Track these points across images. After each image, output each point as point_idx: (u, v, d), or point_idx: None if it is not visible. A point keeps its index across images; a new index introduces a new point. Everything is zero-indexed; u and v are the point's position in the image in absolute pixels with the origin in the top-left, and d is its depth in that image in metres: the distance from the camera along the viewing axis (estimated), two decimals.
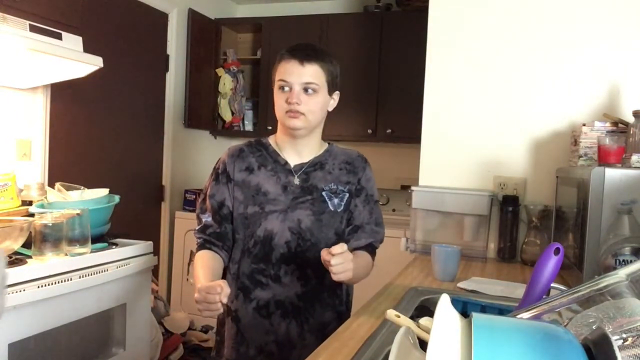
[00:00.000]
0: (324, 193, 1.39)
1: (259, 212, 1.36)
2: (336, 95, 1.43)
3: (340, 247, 1.17)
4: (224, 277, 1.42)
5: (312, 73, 1.32)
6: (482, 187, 2.07)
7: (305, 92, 1.33)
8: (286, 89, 1.33)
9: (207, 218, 1.40)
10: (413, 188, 2.08)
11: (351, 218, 1.43)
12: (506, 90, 2.06)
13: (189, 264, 3.48)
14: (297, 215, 1.36)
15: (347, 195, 1.42)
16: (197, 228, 1.43)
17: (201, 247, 1.40)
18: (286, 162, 1.41)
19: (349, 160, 1.46)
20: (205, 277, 1.25)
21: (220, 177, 1.41)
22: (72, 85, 2.48)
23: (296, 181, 1.39)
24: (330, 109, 1.44)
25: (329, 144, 1.49)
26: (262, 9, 4.06)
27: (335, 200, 1.40)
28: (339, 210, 1.40)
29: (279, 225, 1.35)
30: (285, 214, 1.36)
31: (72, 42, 2.17)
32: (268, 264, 1.36)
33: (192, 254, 3.42)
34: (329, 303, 1.41)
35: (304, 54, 1.33)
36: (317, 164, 1.42)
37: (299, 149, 1.42)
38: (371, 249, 1.44)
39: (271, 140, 1.46)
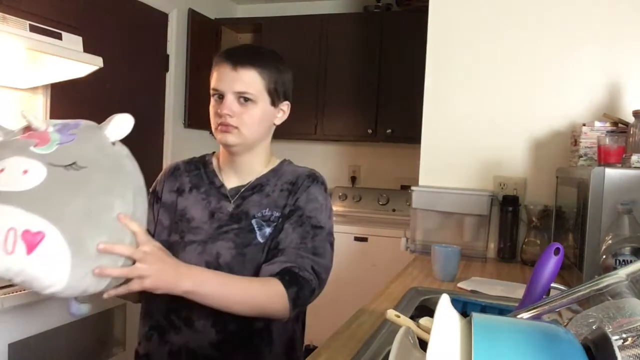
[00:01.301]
0: (253, 221, 1.15)
1: (178, 241, 1.16)
2: (285, 107, 1.22)
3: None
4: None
5: (247, 80, 1.12)
6: (482, 187, 2.07)
7: (240, 102, 1.13)
8: (220, 99, 1.15)
9: None
10: (413, 188, 2.08)
11: (277, 246, 1.13)
12: (506, 90, 2.06)
13: None
14: (217, 247, 1.13)
15: (281, 220, 1.15)
16: None
17: None
18: (222, 185, 1.21)
19: (293, 179, 1.20)
20: None
21: (149, 197, 1.20)
22: (72, 85, 2.48)
23: (230, 207, 1.18)
24: (277, 122, 1.22)
25: (284, 161, 1.26)
26: (262, 9, 4.06)
27: (267, 230, 1.14)
28: (268, 241, 1.14)
29: (195, 259, 1.12)
30: (204, 246, 1.14)
31: (72, 42, 2.16)
32: (181, 303, 1.06)
33: None
34: (252, 354, 1.14)
35: (239, 57, 1.14)
36: (256, 187, 1.20)
37: (239, 168, 1.21)
38: (289, 277, 1.07)
39: (215, 158, 1.28)
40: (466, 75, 2.12)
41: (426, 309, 1.28)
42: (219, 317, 1.09)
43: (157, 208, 1.22)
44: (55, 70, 2.29)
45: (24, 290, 1.59)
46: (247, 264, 1.12)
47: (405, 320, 0.78)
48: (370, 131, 3.47)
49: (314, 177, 1.22)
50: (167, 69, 3.50)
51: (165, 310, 1.14)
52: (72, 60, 2.15)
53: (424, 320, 0.76)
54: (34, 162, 0.81)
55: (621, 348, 0.59)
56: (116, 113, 1.00)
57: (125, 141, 1.00)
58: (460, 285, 1.51)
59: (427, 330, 0.73)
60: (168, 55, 3.51)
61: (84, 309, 0.93)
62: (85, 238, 0.80)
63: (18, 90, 2.43)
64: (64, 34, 2.14)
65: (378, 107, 3.47)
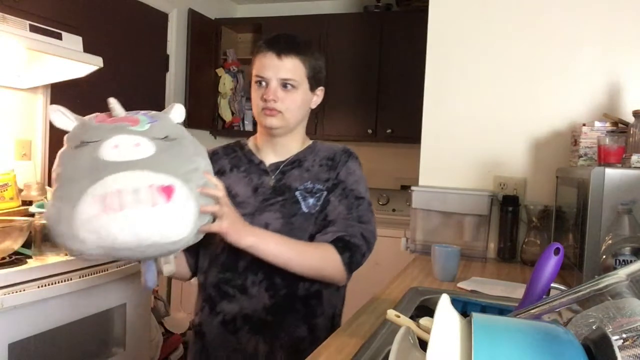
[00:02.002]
0: (297, 193, 1.25)
1: None
2: (320, 92, 1.32)
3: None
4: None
5: (290, 67, 1.21)
6: (482, 187, 2.07)
7: (283, 88, 1.22)
8: (262, 84, 1.23)
9: None
10: (413, 188, 2.07)
11: (326, 217, 1.25)
12: (506, 90, 2.06)
13: None
14: (265, 218, 1.23)
15: (325, 193, 1.26)
16: None
17: None
18: (261, 162, 1.31)
19: (330, 155, 1.31)
20: None
21: None
22: (72, 85, 2.48)
23: (271, 182, 1.28)
24: (313, 106, 1.32)
25: (316, 141, 1.37)
26: (262, 9, 4.06)
27: (311, 201, 1.24)
28: (313, 211, 1.24)
29: None
30: (252, 218, 1.22)
31: (72, 42, 2.17)
32: (234, 273, 1.23)
33: None
34: (302, 316, 1.24)
35: (283, 46, 1.22)
36: (295, 162, 1.30)
37: (277, 148, 1.31)
38: (341, 244, 1.20)
39: (250, 140, 1.37)
40: (466, 75, 2.11)
41: (426, 309, 1.28)
42: (272, 283, 1.21)
43: None
44: (55, 70, 2.29)
45: (24, 290, 1.59)
46: (295, 232, 1.22)
47: (405, 320, 0.78)
48: (370, 131, 3.47)
49: (349, 153, 1.33)
50: (167, 69, 3.50)
51: (216, 282, 1.25)
52: (72, 60, 2.16)
53: (424, 320, 0.76)
54: (140, 138, 0.98)
55: (621, 348, 0.59)
56: None
57: None
58: (460, 285, 1.51)
59: (427, 330, 0.73)
60: (168, 55, 3.51)
61: (169, 269, 1.06)
62: (194, 187, 0.98)
63: (18, 90, 2.43)
64: (64, 34, 2.14)
65: (378, 107, 3.47)
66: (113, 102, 1.05)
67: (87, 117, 1.06)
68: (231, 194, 1.25)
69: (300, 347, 1.22)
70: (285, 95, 1.22)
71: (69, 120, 1.04)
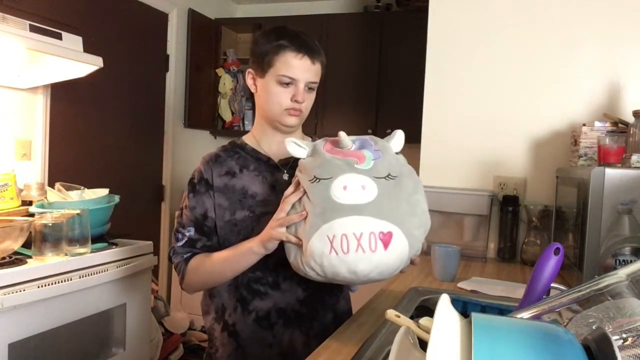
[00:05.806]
0: None
1: (249, 216, 1.24)
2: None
3: None
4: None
5: (317, 71, 1.26)
6: (482, 187, 2.07)
7: (308, 90, 1.26)
8: (290, 85, 1.23)
9: (190, 232, 1.28)
10: None
11: None
12: (506, 90, 2.06)
13: None
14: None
15: None
16: (179, 244, 1.28)
17: (191, 259, 1.26)
18: (269, 159, 1.31)
19: None
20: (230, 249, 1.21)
21: (198, 187, 1.29)
22: (72, 85, 2.48)
23: (284, 177, 1.29)
24: None
25: (313, 136, 1.39)
26: (262, 9, 4.06)
27: None
28: None
29: None
30: None
31: (72, 42, 2.17)
32: (265, 271, 1.25)
33: None
34: (329, 304, 1.32)
35: (313, 50, 1.24)
36: None
37: (282, 144, 1.27)
38: None
39: (247, 139, 1.35)
40: (466, 75, 2.11)
41: (426, 309, 1.28)
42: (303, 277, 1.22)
43: (212, 193, 1.29)
44: (55, 70, 2.29)
45: (24, 290, 1.59)
46: None
47: (405, 320, 0.78)
48: (370, 131, 3.46)
49: None
50: (167, 69, 3.50)
51: (247, 282, 1.27)
52: (72, 60, 2.16)
53: (424, 320, 0.76)
54: (365, 178, 1.03)
55: (621, 348, 0.59)
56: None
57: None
58: (460, 285, 1.51)
59: (427, 330, 0.73)
60: (168, 55, 3.51)
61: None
62: (413, 230, 1.04)
63: (18, 90, 2.43)
64: (64, 34, 2.14)
65: (378, 107, 3.47)
66: (343, 137, 1.09)
67: (317, 144, 1.13)
68: (249, 194, 1.27)
69: (327, 334, 1.22)
70: (307, 97, 1.26)
71: (302, 149, 1.13)
